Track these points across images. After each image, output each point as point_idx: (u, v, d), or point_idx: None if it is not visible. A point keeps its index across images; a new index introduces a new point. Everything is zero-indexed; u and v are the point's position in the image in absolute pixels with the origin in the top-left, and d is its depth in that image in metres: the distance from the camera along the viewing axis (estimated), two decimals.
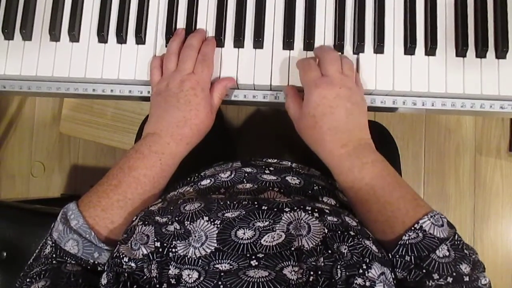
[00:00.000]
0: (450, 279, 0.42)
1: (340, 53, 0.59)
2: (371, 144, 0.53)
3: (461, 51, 0.59)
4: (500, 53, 0.58)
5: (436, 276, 0.43)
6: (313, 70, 0.54)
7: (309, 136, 0.53)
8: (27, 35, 0.62)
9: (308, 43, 0.59)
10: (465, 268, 0.43)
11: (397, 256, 0.45)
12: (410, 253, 0.45)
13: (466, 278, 0.42)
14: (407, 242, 0.45)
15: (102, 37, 0.61)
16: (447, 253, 0.43)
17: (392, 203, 0.48)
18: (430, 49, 0.59)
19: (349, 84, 0.53)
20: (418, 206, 0.48)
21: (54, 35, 0.62)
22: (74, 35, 0.61)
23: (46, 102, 1.54)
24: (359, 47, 0.59)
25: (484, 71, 0.59)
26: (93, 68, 0.61)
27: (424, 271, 0.43)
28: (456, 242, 0.44)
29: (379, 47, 0.59)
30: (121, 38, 0.61)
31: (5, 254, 0.85)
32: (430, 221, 0.45)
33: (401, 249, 0.45)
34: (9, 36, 0.62)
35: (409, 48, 0.59)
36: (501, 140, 1.43)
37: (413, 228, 0.45)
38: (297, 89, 0.58)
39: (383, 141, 0.80)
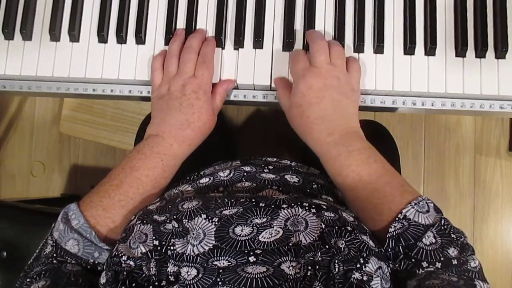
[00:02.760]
0: (438, 265, 0.42)
1: (331, 40, 0.59)
2: (359, 132, 0.54)
3: (460, 51, 0.59)
4: (500, 53, 0.58)
5: (425, 264, 0.43)
6: (301, 61, 0.55)
7: (298, 125, 0.54)
8: (27, 35, 0.62)
9: (308, 43, 0.59)
10: (452, 252, 0.43)
11: (389, 249, 0.45)
12: (398, 244, 0.45)
13: (455, 262, 0.42)
14: (394, 234, 0.45)
15: (102, 37, 0.61)
16: (434, 240, 0.44)
17: (378, 190, 0.49)
18: (430, 49, 0.59)
19: (336, 74, 0.54)
20: (405, 192, 0.48)
21: (54, 35, 0.62)
22: (74, 35, 0.61)
23: (46, 102, 1.54)
24: (359, 47, 0.59)
25: (483, 71, 0.59)
26: (93, 68, 0.61)
27: (413, 260, 0.44)
28: (442, 227, 0.45)
29: (378, 47, 0.59)
30: (121, 38, 0.61)
31: (5, 254, 0.85)
32: (414, 208, 0.46)
33: (390, 241, 0.45)
34: (9, 36, 0.62)
35: (409, 48, 0.59)
36: (501, 140, 1.44)
37: (397, 218, 0.46)
38: (287, 81, 0.58)
39: (383, 141, 0.80)
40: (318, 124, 0.52)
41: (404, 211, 0.46)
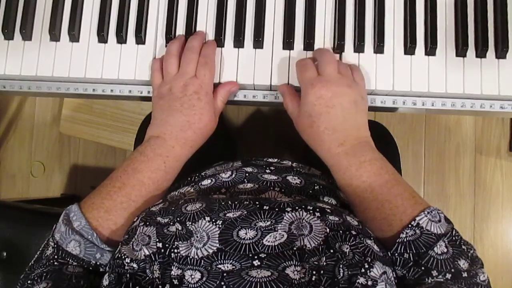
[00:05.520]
0: (448, 276, 0.42)
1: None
2: (370, 142, 0.53)
3: (461, 51, 0.59)
4: (500, 53, 0.58)
5: (435, 273, 0.43)
6: (309, 70, 0.54)
7: (307, 135, 0.54)
8: (27, 35, 0.62)
9: (308, 43, 0.59)
10: (463, 264, 0.43)
11: (396, 254, 0.45)
12: (408, 251, 0.45)
13: (465, 274, 0.42)
14: (405, 240, 0.45)
15: (102, 37, 0.61)
16: (445, 250, 0.44)
17: (390, 201, 0.48)
18: (430, 49, 0.59)
19: (346, 83, 0.53)
20: (416, 204, 0.48)
21: (54, 35, 0.62)
22: (74, 35, 0.61)
23: (46, 102, 1.54)
24: (359, 47, 0.59)
25: (484, 71, 0.59)
26: (93, 68, 0.61)
27: (423, 268, 0.43)
28: (453, 238, 0.45)
29: (379, 47, 0.59)
30: (121, 38, 0.61)
31: (5, 254, 0.85)
32: (427, 217, 0.46)
33: (399, 247, 0.45)
34: (9, 36, 0.62)
35: (409, 48, 0.59)
36: (501, 140, 1.43)
37: (410, 225, 0.46)
38: (293, 88, 0.58)
39: (383, 141, 0.80)
40: (329, 134, 0.52)
41: (417, 218, 0.46)
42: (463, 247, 0.44)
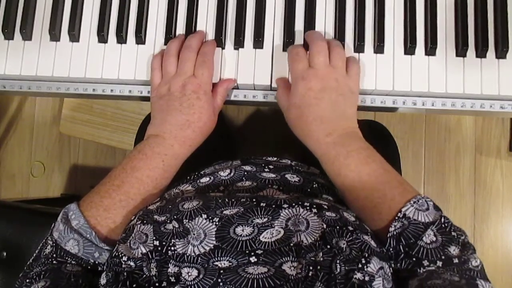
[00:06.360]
0: (439, 263, 0.42)
1: (333, 40, 0.59)
2: (358, 133, 0.54)
3: (461, 51, 0.59)
4: (500, 53, 0.58)
5: (426, 262, 0.43)
6: (301, 61, 0.55)
7: (296, 126, 0.55)
8: (27, 35, 0.62)
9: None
10: (453, 250, 0.43)
11: (390, 249, 0.45)
12: (398, 243, 0.45)
13: (456, 260, 0.42)
14: (395, 233, 0.45)
15: (102, 37, 0.61)
16: (434, 238, 0.44)
17: (378, 189, 0.49)
18: (430, 49, 0.59)
19: (335, 76, 0.54)
20: (405, 191, 0.48)
21: (54, 35, 0.62)
22: (74, 35, 0.61)
23: (46, 102, 1.54)
24: (359, 47, 0.59)
25: (484, 71, 0.59)
26: (93, 68, 0.61)
27: (414, 259, 0.43)
28: (443, 225, 0.44)
29: (379, 47, 0.59)
30: (121, 38, 0.61)
31: (5, 254, 0.85)
32: (413, 207, 0.46)
33: (391, 241, 0.45)
34: (9, 36, 0.62)
35: (409, 48, 0.59)
36: (501, 140, 1.43)
37: (397, 217, 0.46)
38: (287, 81, 0.58)
39: (383, 141, 0.80)
40: (317, 124, 0.52)
41: (403, 209, 0.46)
42: (452, 233, 0.44)
